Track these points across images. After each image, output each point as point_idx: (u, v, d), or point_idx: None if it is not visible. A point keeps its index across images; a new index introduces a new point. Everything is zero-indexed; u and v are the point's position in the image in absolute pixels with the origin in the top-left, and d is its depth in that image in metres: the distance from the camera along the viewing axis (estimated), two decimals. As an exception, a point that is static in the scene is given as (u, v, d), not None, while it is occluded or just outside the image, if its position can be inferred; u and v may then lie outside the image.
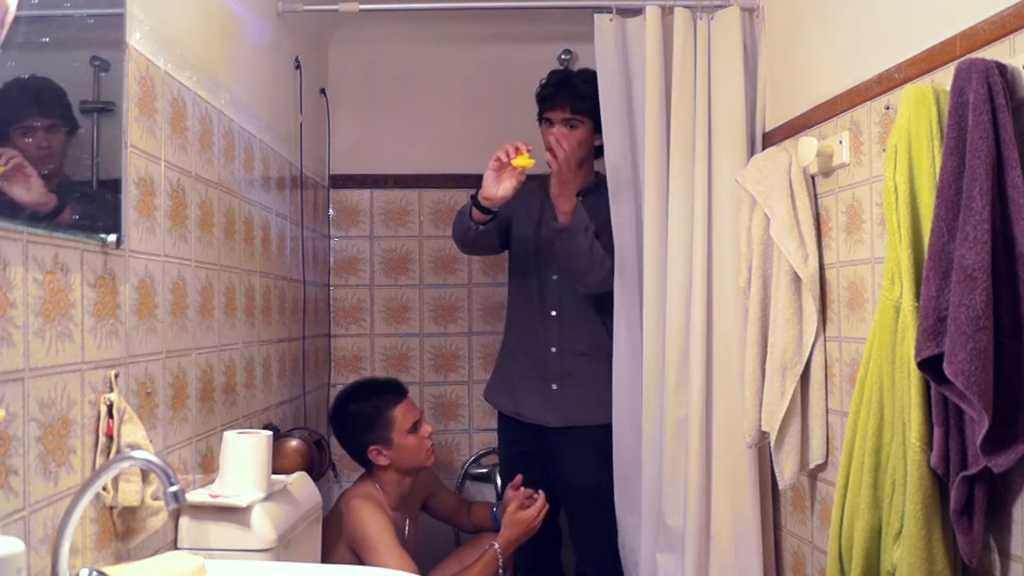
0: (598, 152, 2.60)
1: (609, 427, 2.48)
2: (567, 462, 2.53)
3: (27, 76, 1.30)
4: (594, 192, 2.59)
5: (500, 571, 2.37)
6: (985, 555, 1.49)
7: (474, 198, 2.41)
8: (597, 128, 2.52)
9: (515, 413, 2.61)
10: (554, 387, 2.54)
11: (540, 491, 2.47)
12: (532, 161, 2.30)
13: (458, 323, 3.34)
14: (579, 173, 2.59)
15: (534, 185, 2.67)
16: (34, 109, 1.32)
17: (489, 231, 2.48)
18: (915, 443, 1.46)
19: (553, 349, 2.55)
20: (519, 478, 2.52)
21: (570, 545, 2.65)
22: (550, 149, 2.54)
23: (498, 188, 2.33)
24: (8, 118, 1.23)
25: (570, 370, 2.53)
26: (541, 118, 2.60)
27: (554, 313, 2.55)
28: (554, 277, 2.56)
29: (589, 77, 2.51)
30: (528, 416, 2.57)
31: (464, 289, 3.35)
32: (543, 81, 2.60)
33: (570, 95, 2.52)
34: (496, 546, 2.39)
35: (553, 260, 2.55)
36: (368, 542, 2.23)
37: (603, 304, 2.53)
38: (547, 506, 2.45)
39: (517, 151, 2.30)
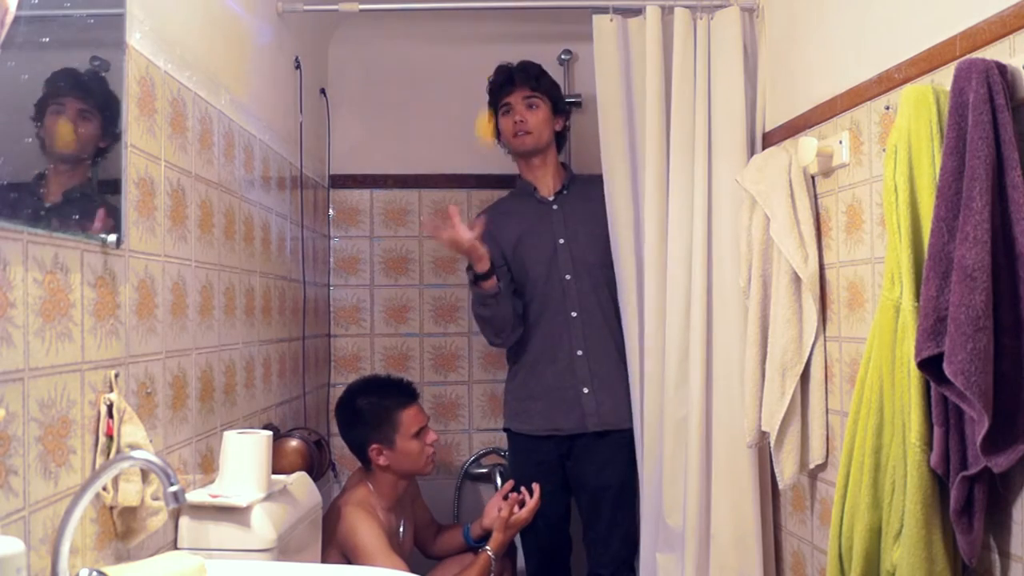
0: (559, 140, 2.64)
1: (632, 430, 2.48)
2: (594, 465, 2.50)
3: (83, 70, 1.36)
4: (570, 189, 2.59)
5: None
6: (985, 555, 1.49)
7: (472, 278, 2.44)
8: (555, 111, 2.59)
9: (553, 430, 2.54)
10: (586, 391, 2.50)
11: (535, 485, 2.45)
12: (489, 130, 2.34)
13: (458, 323, 3.34)
14: (548, 162, 2.61)
15: (504, 202, 2.71)
16: (81, 106, 1.37)
17: (506, 287, 2.48)
18: (915, 443, 1.46)
19: (579, 352, 2.51)
20: (508, 485, 2.50)
21: (578, 550, 2.63)
22: (514, 135, 2.57)
23: (467, 235, 2.32)
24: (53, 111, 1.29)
25: (598, 372, 2.51)
26: (496, 109, 2.62)
27: (574, 314, 2.53)
28: (567, 277, 2.54)
29: (539, 66, 2.63)
30: (567, 428, 2.52)
31: (464, 289, 3.34)
32: (491, 77, 2.65)
33: (526, 75, 2.58)
34: (489, 551, 2.38)
35: (563, 260, 2.54)
36: (360, 551, 2.22)
37: (615, 305, 2.51)
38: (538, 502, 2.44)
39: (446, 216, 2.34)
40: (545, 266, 2.55)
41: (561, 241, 2.54)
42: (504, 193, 3.13)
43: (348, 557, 2.26)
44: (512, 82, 2.58)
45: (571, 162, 3.23)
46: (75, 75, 1.36)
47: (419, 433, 2.40)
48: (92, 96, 1.42)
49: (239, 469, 1.83)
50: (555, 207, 2.59)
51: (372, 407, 2.40)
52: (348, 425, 2.45)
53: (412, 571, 2.14)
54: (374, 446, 2.36)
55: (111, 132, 1.45)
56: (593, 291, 2.52)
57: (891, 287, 1.53)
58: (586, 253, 2.53)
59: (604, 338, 2.52)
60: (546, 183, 2.62)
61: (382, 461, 2.36)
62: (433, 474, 2.59)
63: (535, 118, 2.56)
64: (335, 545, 2.28)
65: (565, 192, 2.60)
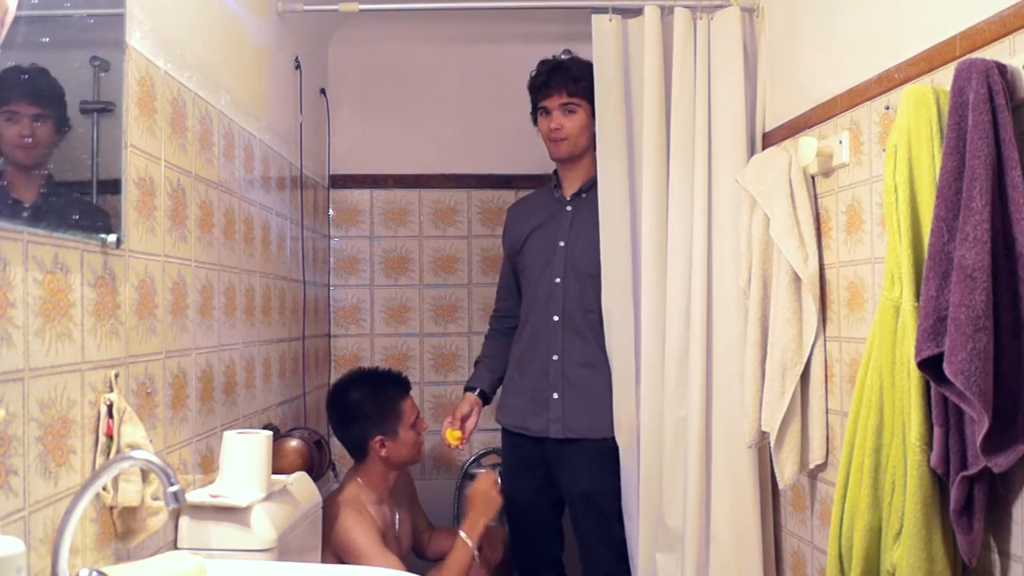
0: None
1: (611, 439, 2.47)
2: (569, 472, 2.50)
3: (27, 65, 1.29)
4: (590, 192, 2.55)
5: (476, 556, 2.37)
6: (985, 555, 1.49)
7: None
8: (594, 114, 2.48)
9: (522, 428, 2.55)
10: (555, 396, 2.49)
11: (489, 469, 2.51)
12: (457, 438, 2.51)
13: (458, 323, 3.34)
14: (581, 163, 2.57)
15: (531, 196, 2.71)
16: (25, 98, 1.29)
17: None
18: (915, 443, 1.46)
19: (555, 357, 2.50)
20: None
21: (571, 547, 2.64)
22: (550, 140, 2.53)
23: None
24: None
25: (571, 378, 2.48)
26: (536, 109, 2.56)
27: (556, 319, 2.51)
28: (557, 280, 2.52)
29: (582, 63, 2.51)
30: (534, 430, 2.52)
31: (464, 289, 3.35)
32: (533, 72, 2.58)
33: (564, 78, 2.49)
34: (462, 533, 2.38)
35: (558, 263, 2.53)
36: (354, 551, 2.22)
37: (601, 311, 2.51)
38: (498, 479, 2.45)
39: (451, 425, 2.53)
40: (542, 266, 2.54)
41: (561, 244, 2.52)
42: (504, 193, 3.13)
43: (341, 557, 2.26)
44: (549, 85, 2.50)
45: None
46: (19, 72, 1.29)
47: (415, 422, 2.43)
48: (36, 91, 1.34)
49: (239, 469, 1.83)
50: (568, 208, 2.56)
51: (372, 399, 2.39)
52: (346, 420, 2.43)
53: (410, 571, 2.14)
54: (377, 438, 2.36)
55: (61, 127, 1.39)
56: (580, 298, 2.49)
57: (891, 287, 1.53)
58: (581, 259, 2.50)
59: (584, 346, 2.48)
60: (572, 183, 2.58)
61: (384, 453, 2.37)
62: (434, 469, 2.61)
63: (572, 124, 2.48)
64: (329, 546, 2.27)
65: (583, 195, 2.55)
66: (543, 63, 2.57)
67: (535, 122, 2.59)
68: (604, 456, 2.45)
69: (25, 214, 1.26)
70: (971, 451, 1.40)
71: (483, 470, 2.52)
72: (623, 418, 2.43)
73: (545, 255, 2.54)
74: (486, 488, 2.42)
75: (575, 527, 2.57)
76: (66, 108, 1.40)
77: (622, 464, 2.44)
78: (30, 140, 1.30)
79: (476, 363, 2.74)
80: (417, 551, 2.64)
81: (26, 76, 1.28)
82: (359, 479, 2.39)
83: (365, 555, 2.20)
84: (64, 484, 1.32)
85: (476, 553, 2.36)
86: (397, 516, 2.47)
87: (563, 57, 2.97)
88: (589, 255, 2.48)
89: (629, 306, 2.43)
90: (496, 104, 3.22)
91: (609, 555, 2.49)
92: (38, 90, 1.32)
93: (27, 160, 1.30)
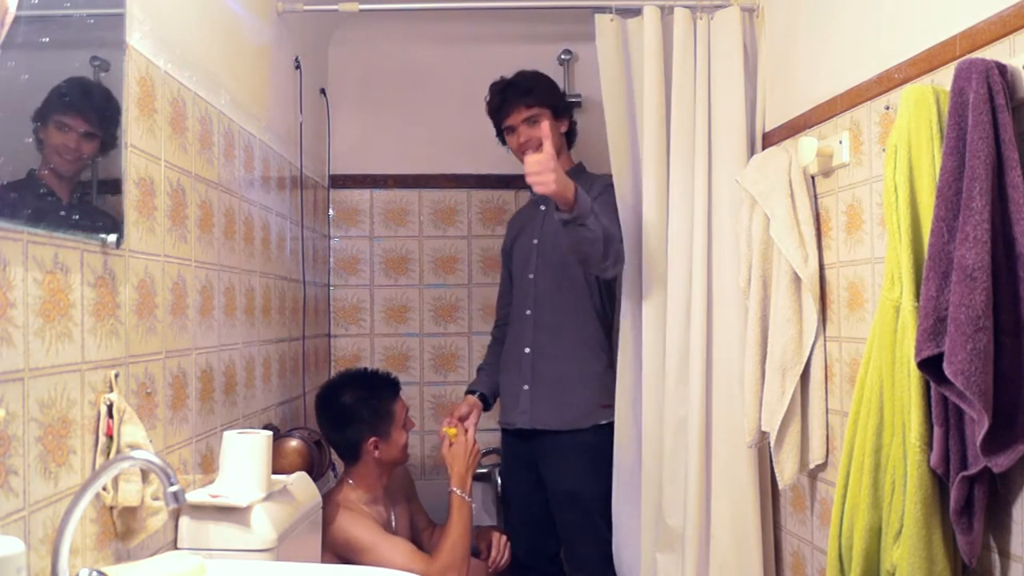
0: (570, 138, 2.63)
1: (589, 431, 2.47)
2: (552, 469, 2.53)
3: (81, 77, 1.38)
4: (573, 180, 2.58)
5: (473, 506, 2.40)
6: (985, 555, 1.50)
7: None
8: (556, 115, 2.54)
9: (506, 424, 2.63)
10: (525, 388, 2.54)
11: (462, 426, 2.52)
12: (453, 431, 2.49)
13: (458, 323, 3.34)
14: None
15: (523, 207, 2.73)
16: (79, 113, 1.37)
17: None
18: (915, 443, 1.46)
19: (527, 350, 2.55)
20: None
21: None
22: (523, 154, 2.53)
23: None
24: (53, 114, 1.31)
25: (541, 371, 2.52)
26: (501, 131, 2.61)
27: (528, 312, 2.56)
28: (530, 276, 2.57)
29: (529, 74, 2.57)
30: (511, 423, 2.58)
31: (464, 289, 3.35)
32: (487, 97, 2.62)
33: (516, 93, 2.54)
34: (455, 489, 2.40)
35: (532, 259, 2.56)
36: (360, 549, 2.21)
37: (582, 305, 2.52)
38: (464, 429, 2.49)
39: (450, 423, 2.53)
40: (522, 265, 2.61)
41: (535, 241, 2.57)
42: (504, 193, 3.13)
43: (344, 557, 2.25)
44: (506, 103, 2.54)
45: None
46: (80, 84, 1.37)
47: (404, 422, 2.45)
48: (92, 106, 1.42)
49: (239, 469, 1.83)
50: (542, 207, 2.60)
51: (366, 402, 2.40)
52: (339, 422, 2.42)
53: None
54: (372, 440, 2.36)
55: (109, 138, 1.46)
56: (553, 291, 2.53)
57: (891, 287, 1.53)
58: (553, 253, 2.53)
59: (557, 338, 2.52)
60: None
61: (377, 454, 2.37)
62: (424, 461, 2.61)
63: (540, 133, 2.50)
64: (327, 547, 2.27)
65: None
66: (493, 85, 2.63)
67: (503, 142, 2.65)
68: (588, 453, 2.47)
69: (62, 212, 1.31)
70: (971, 451, 1.40)
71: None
72: (623, 417, 2.44)
73: (523, 254, 2.61)
74: (457, 441, 2.46)
75: (559, 525, 2.57)
76: (119, 127, 1.47)
77: (616, 462, 2.45)
78: (72, 151, 1.38)
79: (478, 370, 2.80)
80: (418, 549, 2.64)
81: (81, 89, 1.37)
82: (350, 480, 2.39)
83: (371, 547, 2.20)
84: (64, 484, 1.32)
85: (473, 505, 2.40)
86: (393, 513, 2.47)
87: (564, 58, 2.98)
88: (560, 248, 2.49)
89: (631, 306, 2.44)
90: (496, 104, 3.21)
91: (594, 555, 2.50)
92: (92, 105, 1.41)
93: (66, 167, 1.37)
